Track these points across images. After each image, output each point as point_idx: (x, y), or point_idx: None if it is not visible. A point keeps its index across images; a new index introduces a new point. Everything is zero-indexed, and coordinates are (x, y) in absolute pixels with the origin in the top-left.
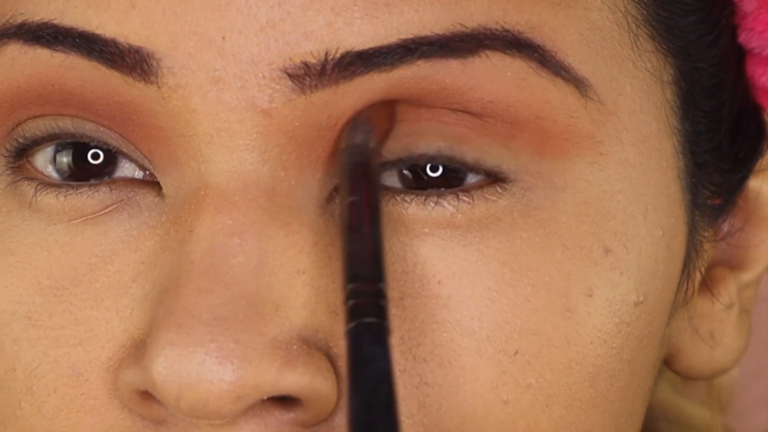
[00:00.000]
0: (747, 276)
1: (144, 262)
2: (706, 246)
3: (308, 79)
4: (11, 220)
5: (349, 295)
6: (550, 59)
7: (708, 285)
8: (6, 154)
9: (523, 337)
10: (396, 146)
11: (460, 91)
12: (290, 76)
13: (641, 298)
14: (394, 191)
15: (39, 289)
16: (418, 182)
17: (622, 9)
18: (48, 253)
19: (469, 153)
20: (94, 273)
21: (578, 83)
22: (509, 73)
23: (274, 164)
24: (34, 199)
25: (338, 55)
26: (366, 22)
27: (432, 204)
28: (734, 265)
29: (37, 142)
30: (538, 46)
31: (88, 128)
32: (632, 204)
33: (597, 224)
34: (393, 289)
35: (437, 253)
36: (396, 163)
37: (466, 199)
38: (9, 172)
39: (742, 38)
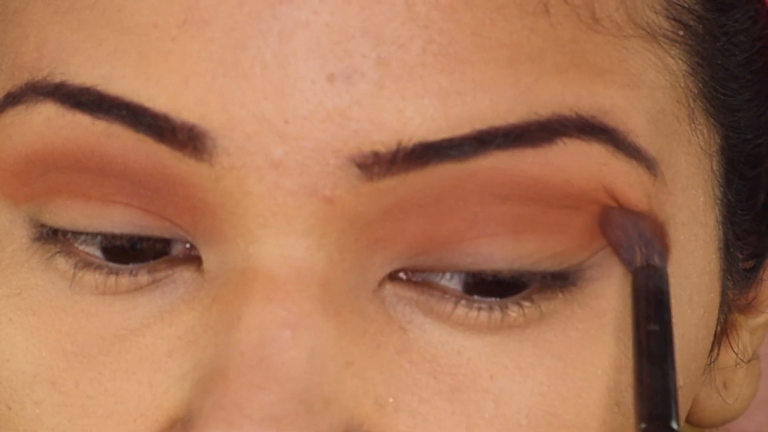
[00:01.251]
0: (759, 320)
1: (181, 338)
2: (736, 314)
3: (377, 167)
4: (34, 278)
5: None
6: (623, 141)
7: (725, 335)
8: (38, 225)
9: None
10: (463, 256)
11: (540, 181)
12: (358, 165)
13: (681, 383)
14: (455, 295)
15: (63, 355)
16: (478, 285)
17: (682, 85)
18: (73, 320)
19: (537, 264)
20: (124, 344)
21: (649, 164)
22: (589, 159)
23: (331, 249)
24: (70, 273)
25: (410, 146)
26: (438, 110)
27: (497, 311)
28: (745, 309)
29: (78, 233)
30: (612, 129)
31: (132, 221)
32: (679, 287)
33: None
34: (443, 383)
35: (491, 348)
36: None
37: (528, 303)
38: (42, 241)
39: None
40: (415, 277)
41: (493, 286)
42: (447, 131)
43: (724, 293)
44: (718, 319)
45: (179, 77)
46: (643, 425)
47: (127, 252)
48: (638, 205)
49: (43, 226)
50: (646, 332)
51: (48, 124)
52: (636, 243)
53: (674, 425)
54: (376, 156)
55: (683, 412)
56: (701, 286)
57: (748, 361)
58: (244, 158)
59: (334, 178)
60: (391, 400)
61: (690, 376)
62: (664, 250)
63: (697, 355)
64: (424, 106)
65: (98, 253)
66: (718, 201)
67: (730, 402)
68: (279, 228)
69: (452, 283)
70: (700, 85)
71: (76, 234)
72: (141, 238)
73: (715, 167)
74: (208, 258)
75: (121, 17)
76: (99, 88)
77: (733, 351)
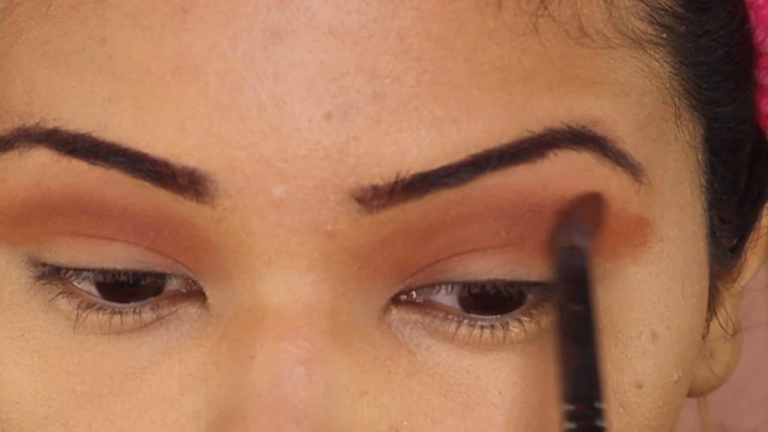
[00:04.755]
0: (738, 285)
1: (192, 375)
2: (724, 293)
3: (376, 200)
4: (36, 320)
5: (568, 417)
6: (611, 149)
7: (713, 311)
8: (38, 264)
9: None
10: (457, 268)
11: (531, 193)
12: (357, 199)
13: (680, 374)
14: (457, 314)
15: (74, 396)
16: (477, 301)
17: (668, 85)
18: (80, 360)
19: (532, 274)
20: (134, 382)
21: (634, 170)
22: (576, 167)
23: (335, 281)
24: (73, 314)
25: (408, 177)
26: (435, 139)
27: (499, 329)
28: (725, 276)
29: (80, 270)
30: (601, 137)
31: (134, 257)
32: (672, 281)
33: (644, 309)
34: (454, 402)
35: (498, 365)
36: (455, 284)
37: (528, 319)
38: (43, 281)
39: (759, 76)
40: (417, 297)
41: (491, 302)
42: (443, 159)
43: (712, 277)
44: (712, 310)
45: (176, 122)
46: (568, 406)
47: (127, 289)
48: (615, 207)
49: (43, 264)
50: (570, 312)
51: (43, 170)
52: (560, 225)
53: (599, 405)
54: (375, 189)
55: (681, 401)
56: (692, 276)
57: (734, 334)
58: (245, 199)
59: (335, 213)
60: (405, 423)
61: (686, 367)
62: (591, 231)
63: (692, 344)
64: (420, 136)
65: (97, 291)
66: (704, 189)
67: (717, 371)
68: (283, 265)
69: (449, 299)
70: (684, 83)
71: (78, 271)
72: (144, 274)
73: (700, 158)
74: (213, 294)
75: (112, 63)
76: (94, 134)
77: (721, 326)
